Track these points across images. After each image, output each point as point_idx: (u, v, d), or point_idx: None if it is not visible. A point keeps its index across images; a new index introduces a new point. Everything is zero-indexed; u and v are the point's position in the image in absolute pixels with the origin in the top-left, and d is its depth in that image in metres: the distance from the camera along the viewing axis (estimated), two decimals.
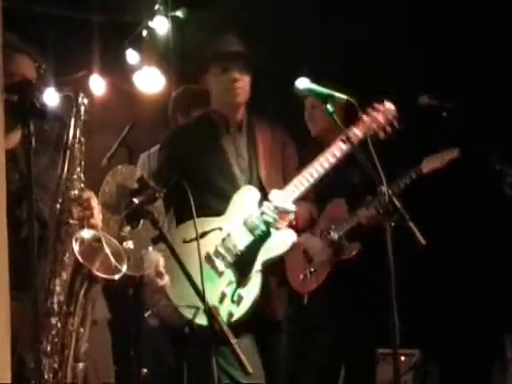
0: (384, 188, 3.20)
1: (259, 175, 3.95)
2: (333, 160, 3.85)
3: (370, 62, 5.47)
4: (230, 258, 3.79)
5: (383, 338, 3.33)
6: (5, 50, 3.11)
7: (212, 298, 3.60)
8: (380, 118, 3.92)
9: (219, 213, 3.85)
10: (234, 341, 2.76)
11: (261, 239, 3.83)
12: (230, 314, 3.72)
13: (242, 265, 3.80)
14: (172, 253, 2.88)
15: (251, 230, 3.82)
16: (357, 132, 3.85)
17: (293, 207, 3.81)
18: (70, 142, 3.14)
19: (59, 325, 2.97)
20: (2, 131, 2.62)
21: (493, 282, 5.19)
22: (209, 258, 3.77)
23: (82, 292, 2.99)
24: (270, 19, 3.67)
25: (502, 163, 4.00)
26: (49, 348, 2.93)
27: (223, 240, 3.81)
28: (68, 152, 3.12)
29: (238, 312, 3.74)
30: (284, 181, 3.94)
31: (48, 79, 3.51)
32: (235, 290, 3.76)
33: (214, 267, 3.76)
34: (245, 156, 3.98)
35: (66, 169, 3.11)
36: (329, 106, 3.44)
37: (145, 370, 4.82)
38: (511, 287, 4.65)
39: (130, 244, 4.37)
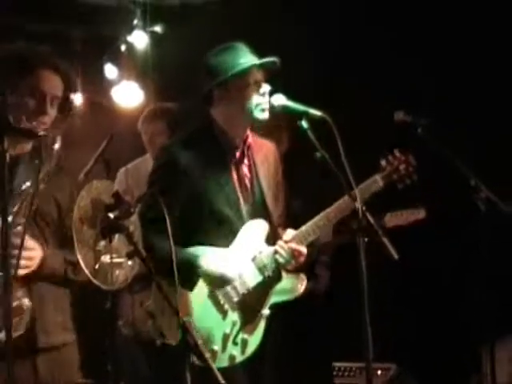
0: (357, 204, 3.23)
1: (266, 207, 3.72)
2: (346, 212, 3.64)
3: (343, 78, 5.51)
4: (235, 297, 3.58)
5: (357, 352, 3.35)
6: (35, 63, 3.05)
7: (214, 338, 3.48)
8: (401, 168, 3.86)
9: (220, 243, 3.60)
10: (207, 355, 2.77)
11: (270, 280, 3.64)
12: (232, 357, 3.53)
13: (248, 306, 3.59)
14: (146, 267, 2.88)
15: (260, 269, 3.63)
16: (379, 181, 3.79)
17: (305, 250, 3.68)
18: (27, 188, 2.95)
19: None
20: None
21: (468, 295, 5.22)
22: (212, 294, 3.56)
23: None
24: (248, 34, 3.68)
25: (476, 178, 4.03)
26: None
27: None
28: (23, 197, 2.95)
29: (241, 357, 3.54)
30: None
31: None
32: (238, 332, 3.55)
33: (217, 305, 3.56)
34: (248, 183, 3.71)
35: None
36: (303, 123, 3.45)
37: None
38: (487, 300, 4.66)
39: (107, 258, 4.37)
